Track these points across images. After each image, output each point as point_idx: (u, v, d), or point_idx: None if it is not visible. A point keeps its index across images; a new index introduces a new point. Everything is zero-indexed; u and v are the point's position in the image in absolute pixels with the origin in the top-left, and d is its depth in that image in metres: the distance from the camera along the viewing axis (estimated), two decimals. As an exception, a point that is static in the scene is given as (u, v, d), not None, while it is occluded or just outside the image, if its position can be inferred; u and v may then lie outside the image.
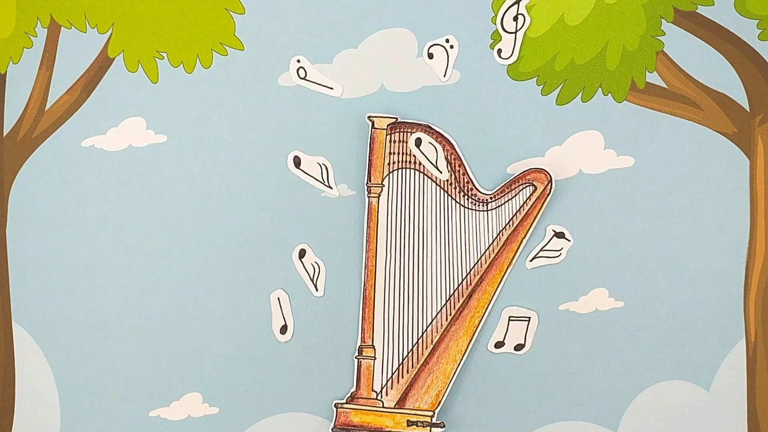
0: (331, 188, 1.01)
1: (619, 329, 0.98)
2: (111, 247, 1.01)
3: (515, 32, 0.98)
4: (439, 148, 0.99)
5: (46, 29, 1.02)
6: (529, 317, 0.98)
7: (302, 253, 1.00)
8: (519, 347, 0.99)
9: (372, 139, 0.99)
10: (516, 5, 0.98)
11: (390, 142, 0.99)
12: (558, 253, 0.99)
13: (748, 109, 0.99)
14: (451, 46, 1.00)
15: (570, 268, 0.99)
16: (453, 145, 0.99)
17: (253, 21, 1.01)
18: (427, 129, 0.99)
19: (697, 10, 0.99)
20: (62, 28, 1.02)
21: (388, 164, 0.99)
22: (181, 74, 1.02)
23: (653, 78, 0.99)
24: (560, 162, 0.99)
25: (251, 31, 1.01)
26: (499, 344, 0.99)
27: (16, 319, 1.01)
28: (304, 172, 1.01)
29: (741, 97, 0.99)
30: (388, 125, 0.99)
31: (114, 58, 1.02)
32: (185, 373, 1.00)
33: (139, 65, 1.02)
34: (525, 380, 0.99)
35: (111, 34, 1.02)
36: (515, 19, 0.98)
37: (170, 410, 1.00)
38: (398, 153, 0.99)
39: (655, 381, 0.98)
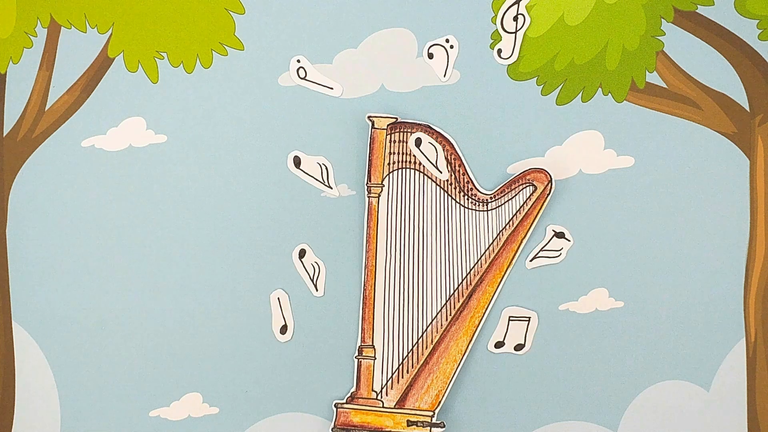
0: (331, 188, 1.01)
1: (619, 329, 0.98)
2: (111, 247, 1.01)
3: (515, 32, 0.98)
4: (439, 148, 0.99)
5: (46, 29, 1.02)
6: (529, 317, 0.98)
7: (302, 253, 1.00)
8: (519, 347, 0.99)
9: (372, 139, 0.99)
10: (516, 5, 0.98)
11: (390, 142, 0.99)
12: (558, 253, 0.99)
13: (748, 109, 0.99)
14: (451, 46, 1.00)
15: (570, 268, 0.99)
16: (453, 145, 0.99)
17: (253, 21, 1.01)
18: (427, 129, 0.99)
19: (697, 10, 0.99)
20: (62, 28, 1.02)
21: (388, 164, 0.99)
22: (181, 74, 1.02)
23: (653, 78, 0.99)
24: (560, 162, 0.99)
25: (251, 31, 1.01)
26: (499, 344, 0.99)
27: (16, 319, 1.01)
28: (304, 172, 1.01)
29: (741, 97, 0.99)
30: (388, 125, 0.99)
31: (114, 58, 1.02)
32: (185, 373, 1.00)
33: (139, 65, 1.02)
34: (525, 380, 0.99)
35: (111, 34, 1.02)
36: (515, 19, 0.98)
37: (170, 410, 1.00)
38: (398, 153, 0.99)
39: (655, 381, 0.98)
